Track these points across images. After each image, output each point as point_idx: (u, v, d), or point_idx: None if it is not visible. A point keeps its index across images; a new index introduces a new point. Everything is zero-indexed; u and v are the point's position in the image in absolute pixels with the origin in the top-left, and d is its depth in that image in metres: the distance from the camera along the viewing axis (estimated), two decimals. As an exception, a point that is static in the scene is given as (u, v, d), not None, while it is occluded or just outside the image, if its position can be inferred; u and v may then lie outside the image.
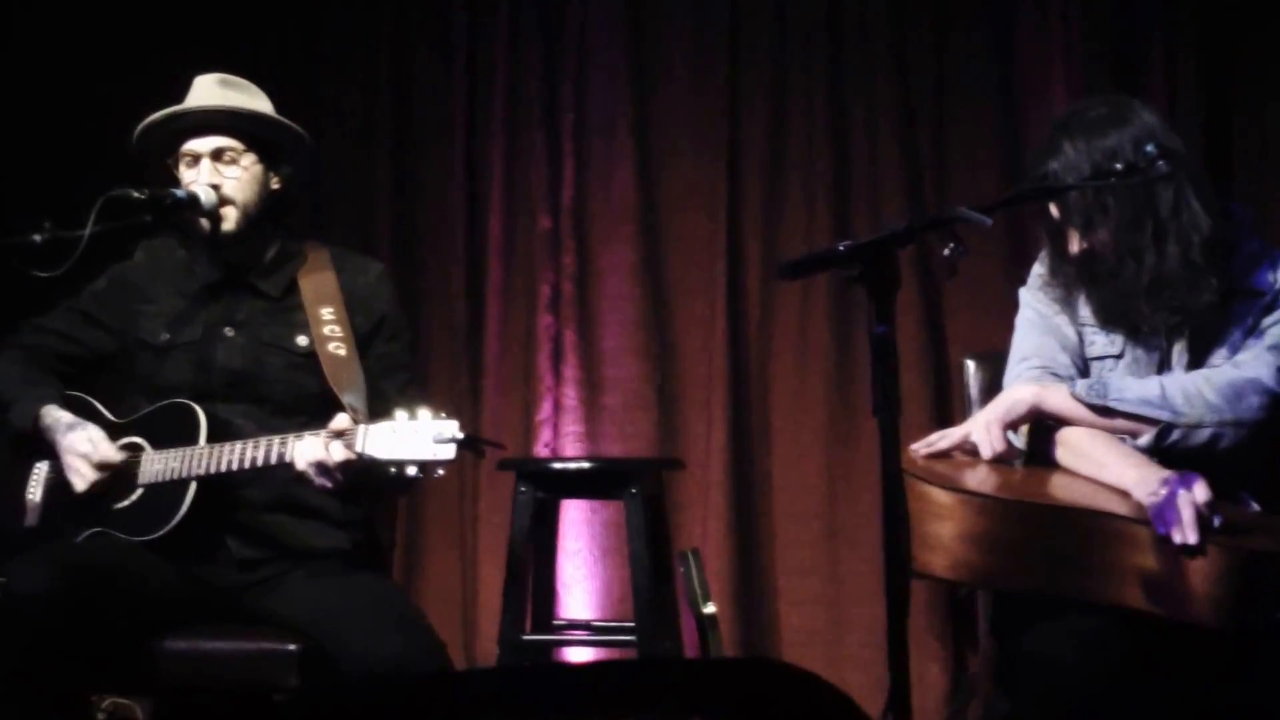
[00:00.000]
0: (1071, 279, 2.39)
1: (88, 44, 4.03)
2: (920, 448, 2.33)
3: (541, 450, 4.00)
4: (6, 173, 3.81)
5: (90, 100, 3.92)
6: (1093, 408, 2.27)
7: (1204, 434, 2.24)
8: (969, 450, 2.32)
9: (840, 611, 3.83)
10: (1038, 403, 2.30)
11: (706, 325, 3.96)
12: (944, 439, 2.34)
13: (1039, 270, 2.49)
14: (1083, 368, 2.40)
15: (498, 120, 4.12)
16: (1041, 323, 2.42)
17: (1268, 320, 2.31)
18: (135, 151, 2.69)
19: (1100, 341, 2.40)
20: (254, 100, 2.69)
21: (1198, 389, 2.26)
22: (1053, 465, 2.31)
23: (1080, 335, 2.41)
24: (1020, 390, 2.33)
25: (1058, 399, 2.29)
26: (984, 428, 2.29)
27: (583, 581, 3.92)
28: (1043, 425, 2.32)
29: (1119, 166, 2.21)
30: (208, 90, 2.66)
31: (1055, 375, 2.37)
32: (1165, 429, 2.24)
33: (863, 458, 3.82)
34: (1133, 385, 2.28)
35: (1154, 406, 2.25)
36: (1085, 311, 2.41)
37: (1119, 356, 2.38)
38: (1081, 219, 2.30)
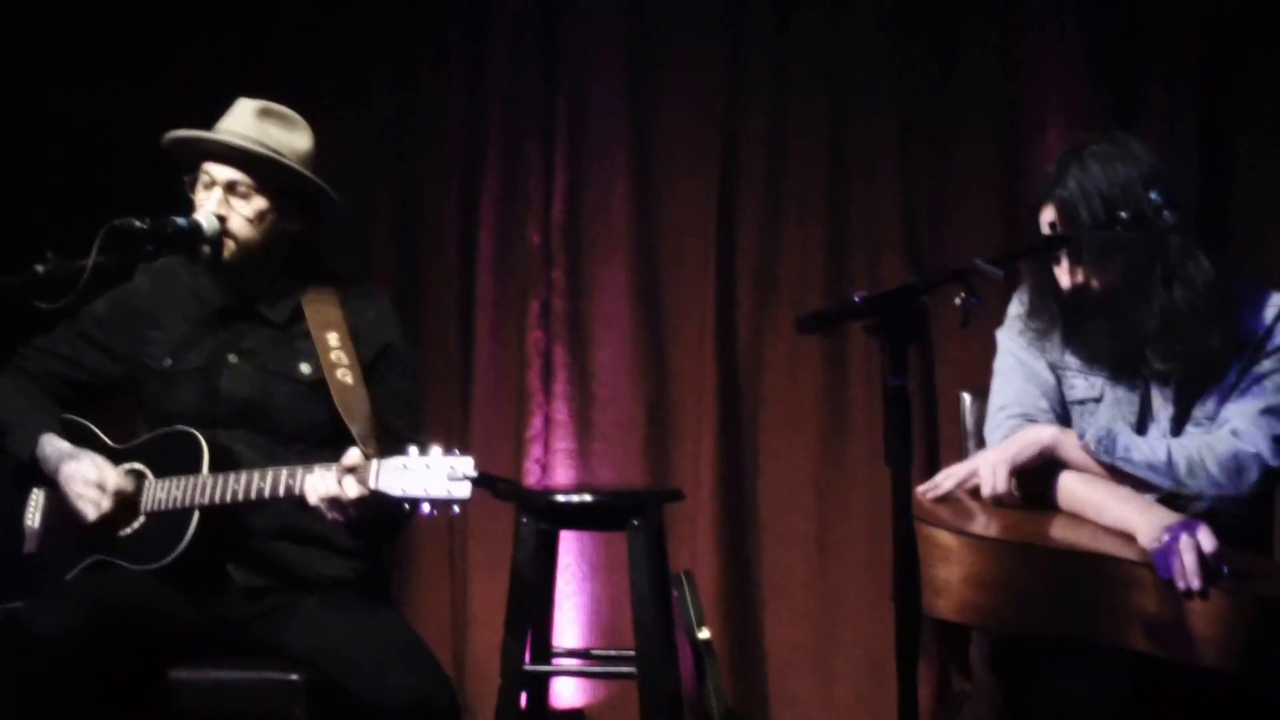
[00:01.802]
0: (1055, 317, 2.40)
1: (77, 53, 4.00)
2: (926, 490, 2.35)
3: (532, 466, 4.01)
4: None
5: (83, 112, 3.90)
6: (1100, 462, 2.29)
7: (1202, 504, 2.28)
8: (969, 489, 2.35)
9: (829, 630, 3.86)
10: (1053, 448, 2.32)
11: (697, 344, 3.98)
12: (949, 478, 2.36)
13: (1015, 310, 2.50)
14: (1062, 413, 2.42)
15: (494, 134, 4.12)
16: (1021, 369, 2.44)
17: (1257, 371, 2.34)
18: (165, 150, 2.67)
19: (1080, 385, 2.41)
20: (291, 137, 2.63)
21: (1201, 459, 2.28)
22: (1052, 507, 2.33)
23: (1059, 378, 2.42)
24: (1034, 434, 2.34)
25: (1071, 448, 2.31)
26: (991, 468, 2.31)
27: (571, 597, 3.94)
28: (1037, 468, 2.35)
29: (1124, 215, 2.24)
30: (241, 119, 2.62)
31: (1035, 423, 2.38)
32: (1166, 495, 2.27)
33: (852, 477, 3.86)
34: (1141, 446, 2.30)
35: (1158, 474, 2.28)
36: (1065, 354, 2.42)
37: (1099, 400, 2.40)
38: (1096, 257, 2.31)
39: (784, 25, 3.98)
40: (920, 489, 2.34)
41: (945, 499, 2.34)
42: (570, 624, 3.92)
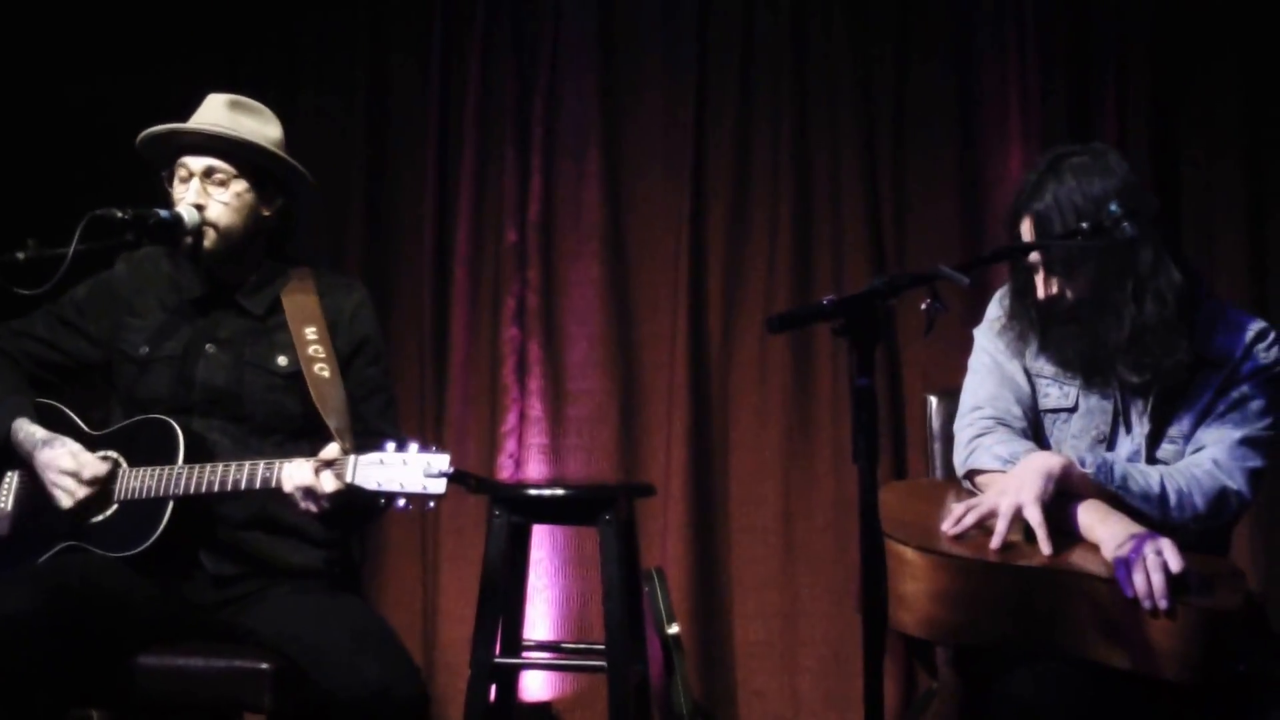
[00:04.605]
0: (1033, 323, 2.41)
1: (61, 48, 4.01)
2: (950, 528, 2.26)
3: (506, 461, 4.03)
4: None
5: (62, 105, 3.91)
6: (1102, 480, 2.28)
7: (1182, 530, 2.28)
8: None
9: (795, 625, 3.90)
10: (1064, 477, 2.27)
11: (669, 341, 4.02)
12: (971, 512, 2.27)
13: (995, 312, 2.50)
14: (1034, 419, 2.43)
15: (469, 132, 4.15)
16: (996, 370, 2.44)
17: (1234, 395, 2.35)
18: (139, 153, 2.69)
19: (1054, 394, 2.42)
20: (262, 126, 2.69)
21: (1190, 493, 2.29)
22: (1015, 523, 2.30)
23: (1034, 386, 2.44)
24: (1043, 463, 2.27)
25: (1079, 476, 2.28)
26: (1018, 506, 2.21)
27: (543, 591, 3.97)
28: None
29: (1085, 226, 2.26)
30: (214, 111, 2.67)
31: (1008, 427, 2.39)
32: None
33: (819, 474, 3.90)
34: (1136, 477, 2.29)
35: (1151, 505, 2.28)
36: (1040, 361, 2.43)
37: (1072, 410, 2.41)
38: (1064, 267, 2.32)
39: (749, 33, 4.05)
40: (944, 527, 2.27)
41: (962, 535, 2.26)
42: (542, 618, 3.95)
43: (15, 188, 3.76)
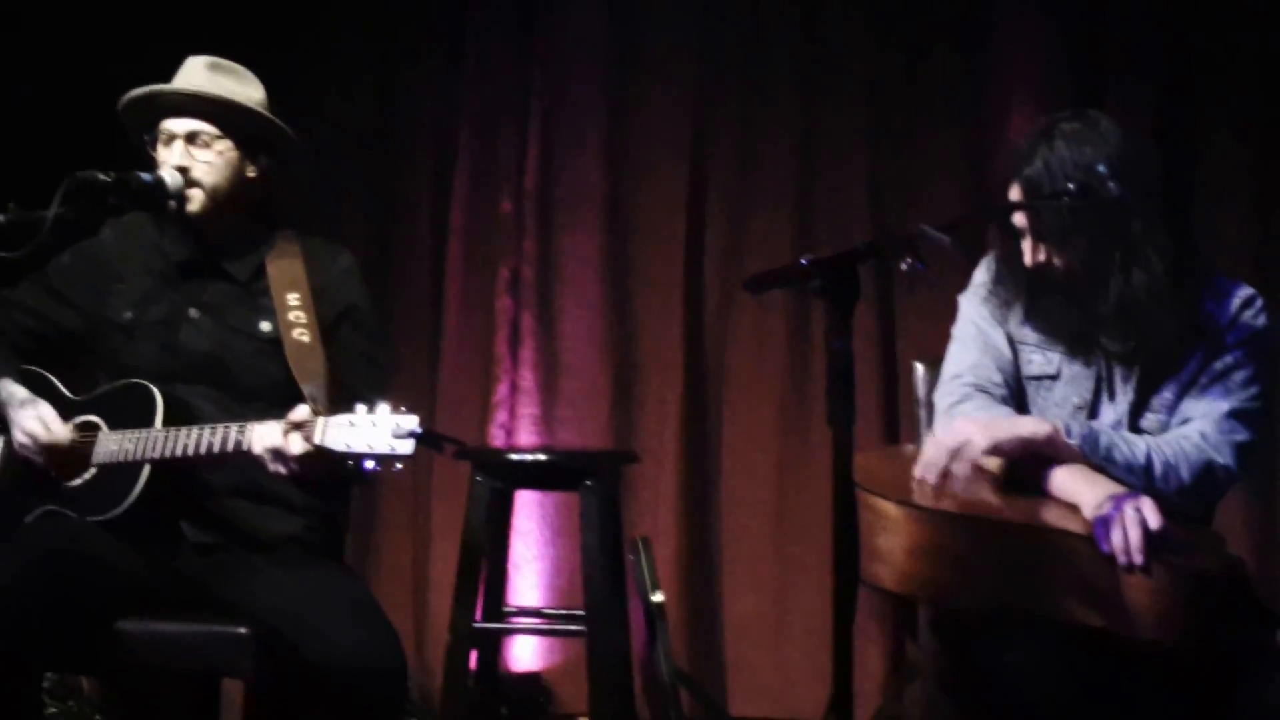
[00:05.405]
0: (1019, 290, 2.39)
1: (62, 26, 4.00)
2: (919, 472, 2.26)
3: (497, 431, 4.03)
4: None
5: (51, 81, 3.89)
6: (1086, 450, 2.25)
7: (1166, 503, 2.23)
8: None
9: (787, 599, 3.89)
10: (1047, 443, 2.25)
11: (665, 314, 4.01)
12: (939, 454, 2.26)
13: (981, 278, 2.48)
14: (1016, 388, 2.41)
15: (469, 104, 4.14)
16: (980, 338, 2.42)
17: (1219, 366, 2.32)
18: (121, 122, 2.67)
19: (1038, 361, 2.40)
20: (244, 87, 2.66)
21: (1176, 465, 2.26)
22: (994, 481, 2.30)
23: (1016, 352, 2.41)
24: (1031, 425, 2.27)
25: (1063, 445, 2.25)
26: (974, 440, 2.23)
27: (532, 562, 3.97)
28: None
29: (1072, 187, 2.24)
30: (194, 73, 2.65)
31: (986, 394, 2.37)
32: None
33: (814, 449, 3.89)
34: (1122, 447, 2.27)
35: (1135, 476, 2.25)
36: (1025, 328, 2.41)
37: (1055, 377, 2.39)
38: (1054, 235, 2.29)
39: (756, 6, 4.01)
40: (916, 472, 2.26)
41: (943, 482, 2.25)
42: (531, 588, 3.95)
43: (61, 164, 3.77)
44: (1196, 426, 2.30)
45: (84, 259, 2.73)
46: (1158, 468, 2.26)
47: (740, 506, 3.96)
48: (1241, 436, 2.30)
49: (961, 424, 2.28)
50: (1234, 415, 2.30)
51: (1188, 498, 2.27)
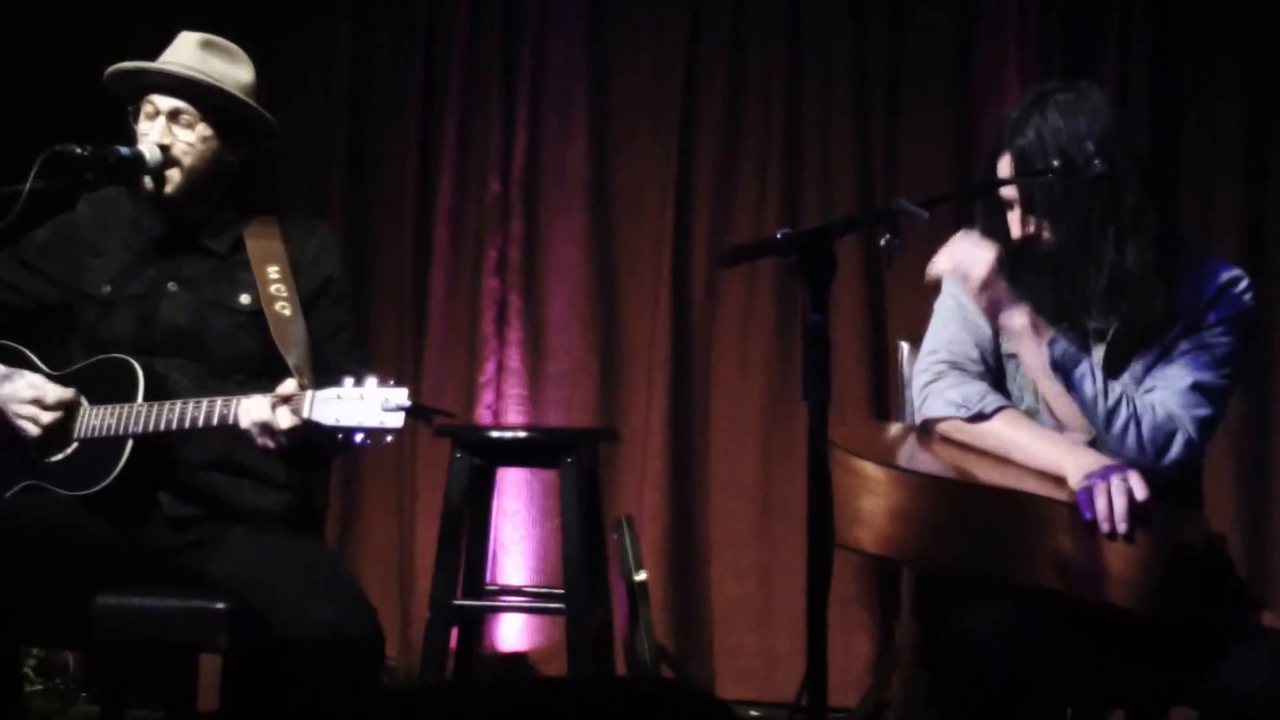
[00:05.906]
0: (1003, 264, 2.33)
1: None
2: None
3: (483, 412, 4.02)
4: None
5: (27, 53, 3.88)
6: (1056, 366, 2.24)
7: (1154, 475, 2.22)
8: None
9: (772, 581, 3.89)
10: (1032, 326, 2.26)
11: (652, 296, 4.00)
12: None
13: None
14: (995, 365, 2.39)
15: (455, 83, 4.13)
16: (959, 314, 2.41)
17: (1194, 341, 2.29)
18: (106, 89, 2.66)
19: None
20: (233, 68, 2.64)
21: (1135, 424, 2.24)
22: (978, 450, 2.30)
23: (996, 330, 2.39)
24: (1019, 318, 2.27)
25: (1039, 333, 2.26)
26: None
27: (519, 543, 3.97)
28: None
29: (1057, 164, 2.22)
30: (185, 51, 2.63)
31: (961, 370, 2.37)
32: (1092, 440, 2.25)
33: (801, 430, 3.86)
34: (1096, 383, 2.24)
35: (1092, 415, 2.23)
36: None
37: None
38: (1047, 209, 2.27)
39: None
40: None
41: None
42: (518, 569, 3.95)
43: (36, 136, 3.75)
44: (1158, 395, 2.28)
45: (60, 233, 2.72)
46: (1118, 423, 2.23)
47: (726, 487, 3.95)
48: (1203, 411, 2.28)
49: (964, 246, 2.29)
50: (1198, 388, 2.28)
51: (1139, 457, 2.23)
